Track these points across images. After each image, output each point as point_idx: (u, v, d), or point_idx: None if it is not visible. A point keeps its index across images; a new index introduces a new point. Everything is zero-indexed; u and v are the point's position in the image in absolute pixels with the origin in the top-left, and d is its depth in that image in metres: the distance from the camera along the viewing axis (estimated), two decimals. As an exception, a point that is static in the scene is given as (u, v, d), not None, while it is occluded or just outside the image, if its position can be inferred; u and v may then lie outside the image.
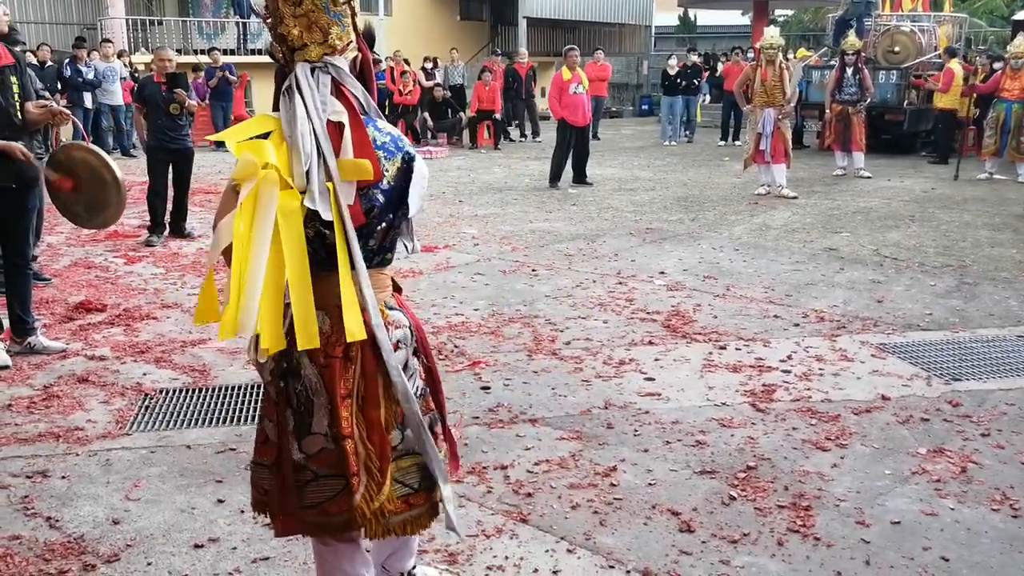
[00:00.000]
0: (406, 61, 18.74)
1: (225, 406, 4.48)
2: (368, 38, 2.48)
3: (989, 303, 6.36)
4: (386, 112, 18.71)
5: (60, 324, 5.78)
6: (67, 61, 14.77)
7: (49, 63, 14.57)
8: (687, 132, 18.70)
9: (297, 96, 2.23)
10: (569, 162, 12.03)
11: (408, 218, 2.40)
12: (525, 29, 24.27)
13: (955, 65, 14.33)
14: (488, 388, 4.67)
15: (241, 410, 4.42)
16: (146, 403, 4.50)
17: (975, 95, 13.54)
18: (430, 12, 25.56)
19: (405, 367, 2.38)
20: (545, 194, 11.35)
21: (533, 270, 7.22)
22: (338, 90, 2.30)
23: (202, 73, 17.53)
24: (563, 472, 3.75)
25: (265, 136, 2.25)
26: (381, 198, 2.29)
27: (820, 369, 4.98)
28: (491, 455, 3.89)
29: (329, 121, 2.25)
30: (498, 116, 17.58)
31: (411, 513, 2.44)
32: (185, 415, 4.36)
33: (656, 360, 5.11)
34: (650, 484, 3.64)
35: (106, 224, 5.58)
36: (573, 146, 11.97)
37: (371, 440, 2.33)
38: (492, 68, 18.54)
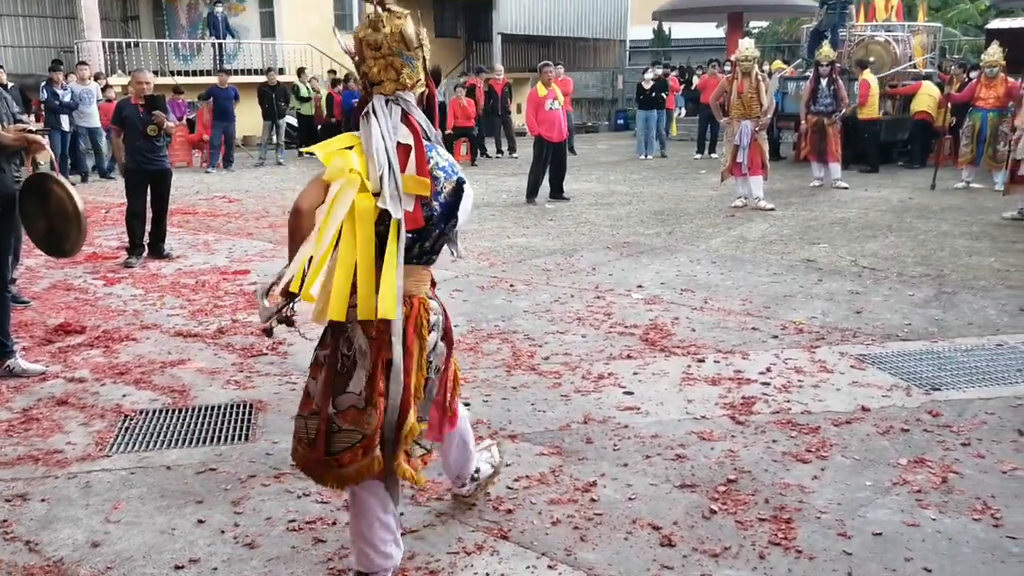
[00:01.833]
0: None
1: (205, 426, 4.44)
2: (435, 76, 3.15)
3: (968, 312, 6.39)
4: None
5: (39, 346, 5.73)
6: (43, 84, 14.69)
7: (11, 85, 14.47)
8: (664, 146, 18.76)
9: (374, 120, 2.80)
10: (546, 177, 12.04)
11: (456, 228, 2.95)
12: (500, 45, 24.34)
13: (868, 76, 14.67)
14: (467, 404, 4.61)
15: (221, 430, 4.39)
16: (126, 424, 4.46)
17: (951, 104, 13.66)
18: (406, 29, 25.55)
19: (434, 348, 2.96)
20: (522, 209, 11.35)
21: (511, 285, 7.20)
22: (406, 119, 2.85)
23: (181, 96, 17.48)
24: (543, 488, 3.72)
25: (349, 149, 2.80)
26: (439, 209, 2.85)
27: (799, 381, 4.97)
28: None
29: (399, 143, 2.80)
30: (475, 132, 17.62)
31: (409, 466, 2.94)
32: (165, 436, 4.33)
33: (635, 374, 5.09)
34: (630, 499, 3.62)
35: (66, 255, 5.57)
36: (550, 161, 11.98)
37: (402, 401, 2.82)
38: (476, 84, 18.55)
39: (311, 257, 2.67)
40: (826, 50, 13.72)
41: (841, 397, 4.73)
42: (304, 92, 18.74)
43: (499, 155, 18.81)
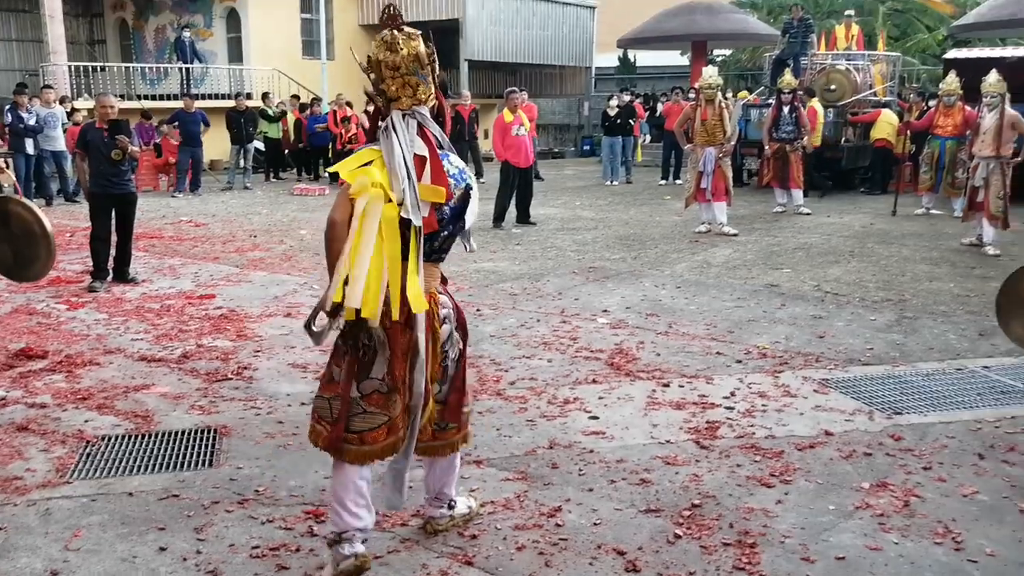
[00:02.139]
0: (349, 104, 18.76)
1: (168, 452, 4.39)
2: (443, 89, 3.39)
3: (928, 337, 6.48)
4: (330, 155, 18.73)
5: (0, 372, 5.63)
6: (8, 107, 14.54)
7: None
8: (629, 172, 18.91)
9: (393, 135, 3.08)
10: (513, 202, 12.09)
11: (464, 229, 3.29)
12: (467, 71, 24.46)
13: (815, 104, 15.05)
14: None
15: (185, 455, 4.34)
16: (87, 450, 4.39)
17: (910, 132, 13.91)
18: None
19: (450, 337, 3.26)
20: (489, 234, 11.37)
21: (478, 310, 7.21)
22: (421, 131, 3.13)
23: (150, 120, 17.37)
24: (508, 513, 3.71)
25: (369, 163, 3.07)
26: (448, 213, 3.15)
27: (763, 405, 5.01)
28: (436, 499, 3.83)
29: (415, 154, 3.07)
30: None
31: (437, 444, 3.37)
32: (127, 462, 4.27)
33: (600, 399, 5.11)
34: (595, 524, 3.62)
35: (35, 278, 5.49)
36: (516, 186, 12.04)
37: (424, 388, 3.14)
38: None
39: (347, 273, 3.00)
40: (788, 78, 13.94)
41: (805, 421, 4.78)
42: (271, 112, 18.70)
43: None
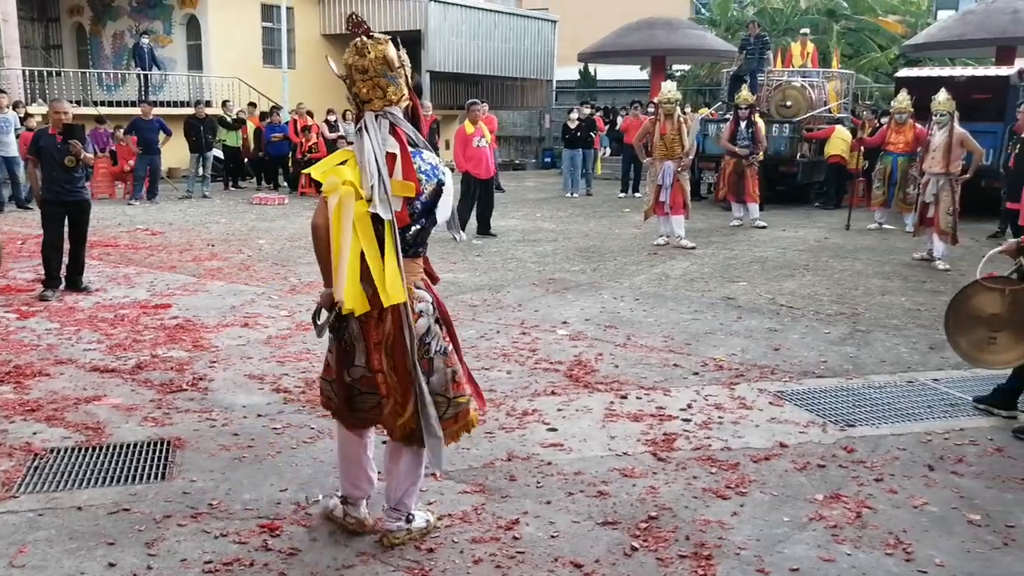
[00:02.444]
0: (309, 113, 18.67)
1: (120, 465, 4.31)
2: (417, 90, 3.61)
3: (881, 350, 6.59)
4: (291, 166, 18.61)
5: (-61, 383, 5.50)
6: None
7: None
8: (589, 184, 19.01)
9: (366, 135, 3.26)
10: (473, 213, 12.10)
11: (437, 224, 3.42)
12: (428, 82, 24.46)
13: (757, 119, 15.23)
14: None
15: (137, 468, 4.27)
16: (35, 464, 4.30)
17: (863, 148, 14.15)
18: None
19: (428, 330, 3.38)
20: (449, 245, 11.35)
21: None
22: (393, 130, 3.29)
23: (104, 125, 17.13)
24: (465, 526, 3.70)
25: (343, 163, 3.27)
26: (420, 207, 3.32)
27: (720, 417, 5.05)
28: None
29: (388, 152, 3.25)
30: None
31: (450, 430, 3.47)
32: (77, 475, 4.19)
33: (559, 410, 5.12)
34: (552, 536, 3.62)
35: None
36: (477, 198, 12.06)
37: (396, 373, 3.34)
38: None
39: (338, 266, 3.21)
40: (745, 94, 14.12)
41: (760, 433, 4.83)
42: (229, 120, 18.54)
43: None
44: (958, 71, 16.81)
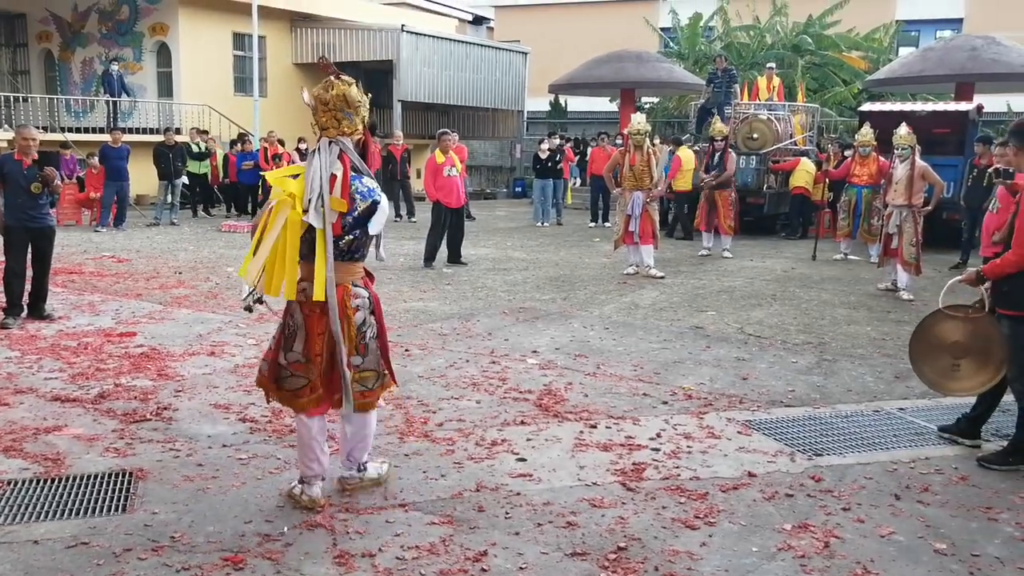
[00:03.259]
0: (280, 142, 18.63)
1: (79, 497, 4.22)
2: (371, 128, 4.26)
3: (847, 379, 6.64)
4: (260, 194, 18.54)
5: None
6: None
7: None
8: (559, 214, 19.10)
9: (317, 156, 3.91)
10: (444, 242, 12.10)
11: (370, 235, 4.05)
12: (400, 112, 24.54)
13: (683, 152, 15.78)
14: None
15: (97, 500, 4.18)
16: (-11, 497, 4.19)
17: (828, 180, 14.34)
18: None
19: (364, 321, 4.07)
20: (420, 273, 11.35)
21: (406, 350, 7.16)
22: (341, 156, 3.95)
23: (68, 151, 16.98)
24: (433, 558, 3.66)
25: (296, 176, 3.93)
26: (351, 221, 3.94)
27: (688, 447, 5.06)
28: (358, 542, 3.77)
29: (332, 174, 3.89)
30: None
31: (364, 401, 4.17)
32: (34, 508, 4.09)
33: (528, 440, 5.10)
34: (521, 568, 3.59)
35: None
36: (448, 227, 12.06)
37: (330, 357, 4.01)
38: (370, 150, 18.57)
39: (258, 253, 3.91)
40: (719, 126, 14.30)
41: (728, 463, 4.83)
42: (195, 149, 18.43)
43: (397, 219, 18.81)
44: (919, 106, 17.16)
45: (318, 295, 3.86)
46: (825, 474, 4.70)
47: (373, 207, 3.99)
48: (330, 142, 3.95)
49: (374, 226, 4.04)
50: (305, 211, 3.83)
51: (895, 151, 10.35)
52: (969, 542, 3.93)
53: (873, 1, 29.70)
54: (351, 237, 3.97)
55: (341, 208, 3.87)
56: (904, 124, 10.36)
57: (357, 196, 3.94)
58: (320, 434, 4.16)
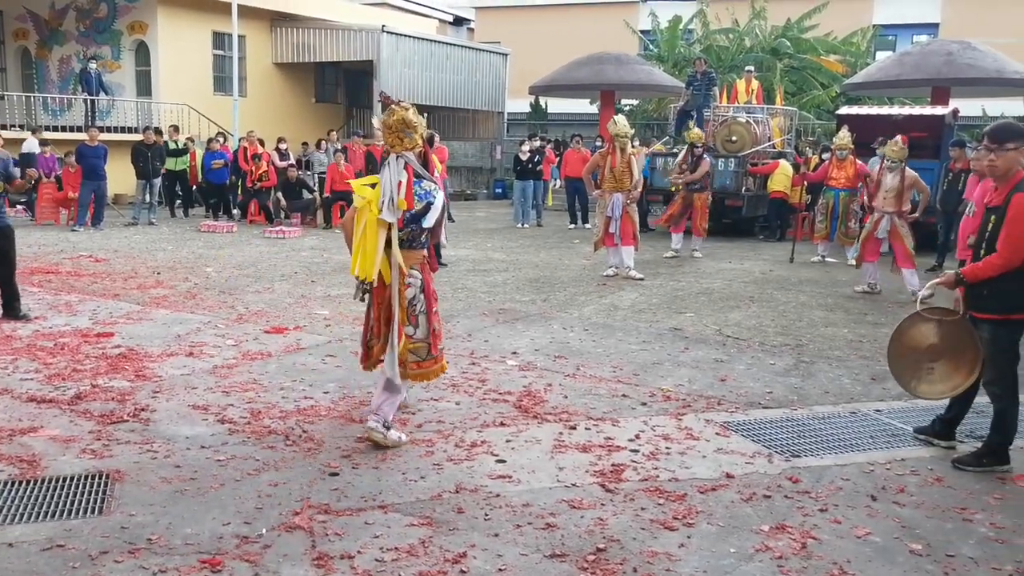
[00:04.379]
0: (260, 142, 18.54)
1: (55, 499, 4.17)
2: (429, 140, 5.40)
3: (824, 381, 6.69)
4: (239, 192, 18.44)
5: None
6: None
7: None
8: (540, 215, 19.13)
9: (387, 167, 4.85)
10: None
11: (424, 228, 4.94)
12: (380, 112, 24.48)
13: (639, 150, 15.76)
14: (337, 474, 4.55)
15: (73, 502, 4.14)
16: (-38, 499, 4.15)
17: (806, 183, 14.44)
18: (285, 93, 25.51)
19: (414, 297, 4.95)
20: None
21: (386, 352, 7.14)
22: (405, 166, 4.86)
23: (48, 149, 16.82)
24: (412, 560, 3.66)
25: (373, 185, 4.88)
26: (409, 217, 4.87)
27: (667, 448, 5.08)
28: (337, 544, 3.76)
29: (399, 182, 4.82)
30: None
31: (418, 371, 5.04)
32: (8, 510, 4.04)
33: (508, 441, 5.10)
34: (500, 569, 3.60)
35: None
36: (428, 227, 12.05)
37: (388, 325, 4.94)
38: (352, 148, 18.57)
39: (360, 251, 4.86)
40: (696, 131, 14.39)
41: (707, 464, 4.86)
42: (172, 146, 18.28)
43: (377, 220, 18.75)
44: (896, 110, 17.29)
45: (385, 274, 4.88)
46: (802, 475, 4.73)
47: (428, 207, 4.90)
48: (396, 156, 4.88)
49: (427, 221, 4.92)
50: (380, 210, 4.78)
51: (884, 161, 10.45)
52: (944, 543, 3.97)
53: (851, 5, 29.98)
54: (408, 230, 4.89)
55: (403, 207, 4.82)
56: (898, 137, 10.42)
57: (416, 198, 4.87)
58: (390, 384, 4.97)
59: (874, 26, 30.60)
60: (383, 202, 4.79)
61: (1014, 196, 4.71)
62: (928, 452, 5.18)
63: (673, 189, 14.04)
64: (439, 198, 4.99)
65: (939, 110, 16.08)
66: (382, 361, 4.97)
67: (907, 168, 10.28)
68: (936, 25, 32.13)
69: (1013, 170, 4.79)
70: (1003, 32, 27.46)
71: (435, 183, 5.01)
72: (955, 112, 16.18)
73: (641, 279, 11.20)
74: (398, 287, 4.86)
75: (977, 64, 19.74)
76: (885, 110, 17.14)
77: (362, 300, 4.97)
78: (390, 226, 4.82)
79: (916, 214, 10.53)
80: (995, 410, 4.96)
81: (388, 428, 4.96)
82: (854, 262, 11.39)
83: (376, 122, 5.00)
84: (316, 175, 19.33)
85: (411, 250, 4.93)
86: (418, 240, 4.97)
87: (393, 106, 4.95)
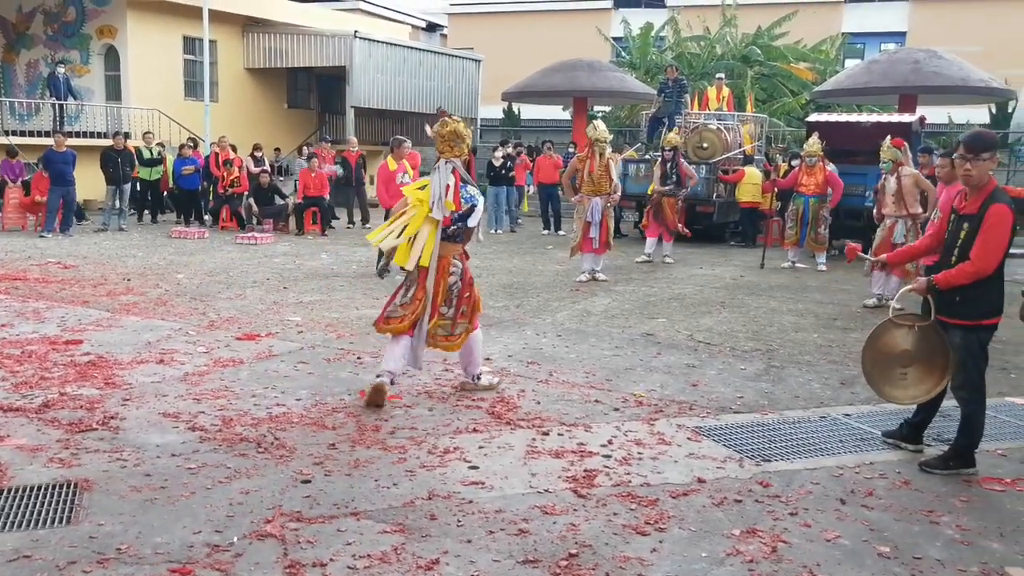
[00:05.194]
0: (233, 147, 18.43)
1: (22, 509, 4.11)
2: (472, 150, 9.91)
3: (794, 385, 6.75)
4: (210, 198, 18.30)
5: None
6: None
7: None
8: (514, 221, 19.16)
9: (437, 172, 5.82)
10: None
11: (469, 227, 5.98)
12: (353, 118, 24.45)
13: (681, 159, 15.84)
14: (309, 481, 4.53)
15: (40, 512, 4.07)
16: (-74, 510, 4.09)
17: (777, 189, 14.56)
18: (257, 99, 25.39)
19: (454, 284, 5.93)
20: (372, 281, 11.28)
21: (358, 358, 7.13)
22: (453, 171, 5.84)
23: (16, 158, 16.63)
24: (384, 567, 3.65)
25: (424, 187, 5.88)
26: (456, 216, 5.86)
27: (639, 453, 5.10)
28: (309, 552, 3.75)
29: (447, 185, 5.79)
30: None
31: (448, 343, 6.06)
32: (-28, 522, 3.99)
33: (480, 448, 5.11)
34: (473, 576, 3.60)
35: None
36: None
37: (433, 303, 5.92)
38: (320, 154, 18.52)
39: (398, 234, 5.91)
40: (671, 136, 14.47)
41: (679, 469, 4.89)
42: (147, 155, 18.11)
43: (351, 226, 18.72)
44: (864, 117, 17.48)
45: (424, 261, 5.81)
46: (773, 480, 4.77)
47: (472, 208, 5.91)
48: (446, 162, 5.82)
49: (472, 220, 5.93)
50: (431, 209, 5.74)
51: (879, 165, 10.49)
52: (912, 545, 4.02)
53: (820, 14, 30.36)
54: (455, 227, 5.87)
55: (451, 208, 5.79)
56: (889, 137, 10.45)
57: (463, 200, 5.86)
58: (401, 350, 5.89)
59: (843, 34, 30.98)
60: (432, 202, 5.73)
61: (991, 206, 4.76)
62: (896, 456, 5.24)
63: (649, 193, 14.13)
64: (481, 201, 6.02)
65: (906, 117, 16.27)
66: (411, 331, 5.89)
67: (905, 168, 10.24)
68: (903, 34, 32.58)
69: (986, 179, 4.87)
70: (968, 41, 27.91)
71: (476, 188, 6.03)
72: (922, 119, 16.38)
73: (606, 280, 11.26)
74: (440, 274, 5.85)
75: (943, 72, 20.02)
76: (854, 117, 17.33)
77: (380, 277, 6.16)
78: (437, 222, 5.76)
79: (928, 213, 10.29)
80: (963, 414, 5.03)
81: (478, 379, 6.26)
82: (824, 268, 11.48)
83: (430, 131, 5.99)
84: (294, 181, 19.27)
85: (454, 243, 5.92)
86: (461, 236, 5.94)
87: (447, 118, 5.90)
